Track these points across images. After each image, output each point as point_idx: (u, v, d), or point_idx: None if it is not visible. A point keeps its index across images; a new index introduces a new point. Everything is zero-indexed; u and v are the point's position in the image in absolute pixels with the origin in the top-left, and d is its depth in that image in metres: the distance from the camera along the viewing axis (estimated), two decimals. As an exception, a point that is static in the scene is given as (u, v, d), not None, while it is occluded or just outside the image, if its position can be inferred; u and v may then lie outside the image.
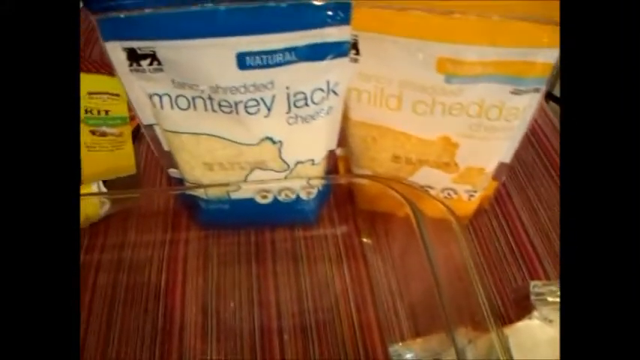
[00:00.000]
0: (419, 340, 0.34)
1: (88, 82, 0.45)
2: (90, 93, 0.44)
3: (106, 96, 0.44)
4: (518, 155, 0.40)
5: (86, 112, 0.42)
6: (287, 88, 0.32)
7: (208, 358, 0.33)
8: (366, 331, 0.34)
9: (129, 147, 0.41)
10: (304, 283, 0.36)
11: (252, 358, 0.33)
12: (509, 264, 0.38)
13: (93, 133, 0.41)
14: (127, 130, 0.42)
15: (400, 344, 0.34)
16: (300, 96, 0.32)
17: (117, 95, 0.45)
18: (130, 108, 0.42)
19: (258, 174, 0.36)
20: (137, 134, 0.44)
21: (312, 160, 0.36)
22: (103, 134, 0.41)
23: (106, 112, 0.43)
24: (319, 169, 0.37)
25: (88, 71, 0.46)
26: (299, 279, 0.36)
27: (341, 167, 0.41)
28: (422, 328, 0.34)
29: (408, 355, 0.34)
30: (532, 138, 0.46)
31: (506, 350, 0.28)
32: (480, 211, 0.40)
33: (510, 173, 0.44)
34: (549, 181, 0.44)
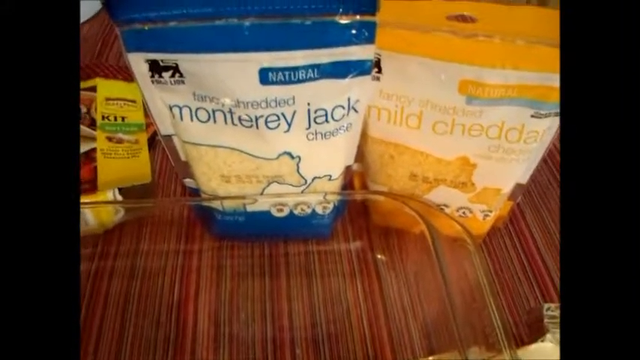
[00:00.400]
0: (430, 359, 0.35)
1: (105, 87, 0.45)
2: (107, 99, 0.44)
3: (122, 102, 0.45)
4: (532, 175, 0.40)
5: (103, 118, 0.43)
6: (308, 104, 0.32)
7: (220, 370, 0.34)
8: (378, 347, 0.35)
9: (145, 155, 0.41)
10: (317, 298, 0.37)
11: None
12: (522, 284, 0.38)
13: (109, 139, 0.41)
14: (143, 138, 0.43)
15: (412, 362, 0.34)
16: (321, 112, 0.33)
17: (133, 102, 0.45)
18: (148, 116, 0.43)
19: (274, 188, 0.36)
20: (152, 142, 0.44)
21: (330, 176, 0.36)
22: (120, 141, 0.42)
23: (123, 118, 0.44)
24: (336, 185, 0.37)
25: (106, 77, 0.46)
26: (312, 293, 0.37)
27: (357, 182, 0.41)
28: (434, 346, 0.34)
29: (420, 374, 0.34)
30: (547, 157, 0.47)
31: None
32: (493, 231, 0.40)
33: (524, 192, 0.44)
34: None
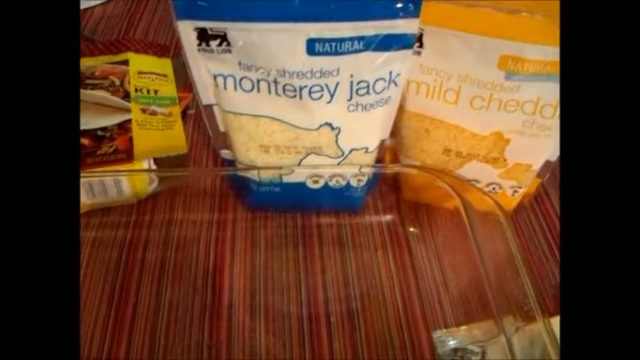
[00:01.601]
0: (463, 328, 0.36)
1: (136, 61, 0.47)
2: (139, 72, 0.46)
3: (154, 76, 0.46)
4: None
5: (136, 90, 0.45)
6: (351, 76, 0.34)
7: (257, 335, 0.36)
8: (411, 317, 0.37)
9: (179, 127, 0.43)
10: (350, 268, 0.39)
11: (299, 337, 0.35)
12: (548, 260, 0.40)
13: (143, 111, 0.43)
14: (176, 111, 0.45)
15: (444, 330, 0.36)
16: (363, 84, 0.35)
17: (165, 76, 0.47)
18: (179, 90, 0.45)
19: (312, 159, 0.38)
20: (183, 117, 0.46)
21: (366, 148, 0.38)
22: (153, 113, 0.44)
23: (155, 91, 0.46)
24: (371, 158, 0.39)
25: (137, 51, 0.48)
26: (345, 264, 0.39)
27: (388, 158, 0.43)
28: (466, 317, 0.37)
29: (452, 342, 0.36)
30: None
31: (554, 337, 0.31)
32: (519, 208, 0.43)
33: (550, 177, 0.46)
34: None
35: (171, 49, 0.55)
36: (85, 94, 0.45)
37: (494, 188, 0.40)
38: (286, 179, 0.39)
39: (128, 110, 0.43)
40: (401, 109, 0.38)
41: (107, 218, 0.41)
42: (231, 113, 0.37)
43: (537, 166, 0.38)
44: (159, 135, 0.42)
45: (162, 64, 0.49)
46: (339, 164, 0.38)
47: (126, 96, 0.45)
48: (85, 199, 0.40)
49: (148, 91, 0.45)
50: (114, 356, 0.35)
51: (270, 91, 0.35)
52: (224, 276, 0.38)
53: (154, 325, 0.36)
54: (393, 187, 0.43)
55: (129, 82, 0.46)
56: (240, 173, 0.39)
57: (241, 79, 0.35)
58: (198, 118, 0.49)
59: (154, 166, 0.41)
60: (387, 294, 0.38)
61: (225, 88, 0.36)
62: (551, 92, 0.34)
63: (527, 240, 0.42)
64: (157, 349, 0.35)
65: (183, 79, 0.49)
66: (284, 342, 0.35)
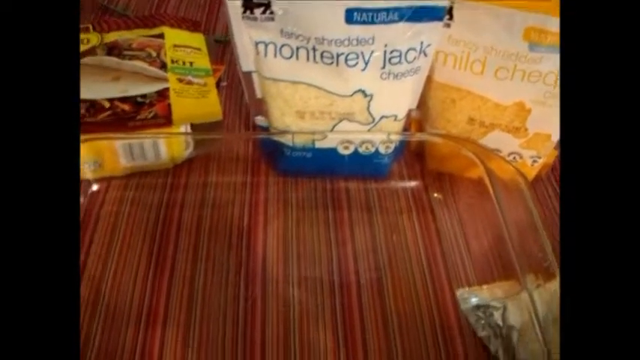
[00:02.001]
0: (485, 287, 0.39)
1: (171, 35, 0.50)
2: (175, 45, 0.49)
3: (189, 49, 0.49)
4: None
5: (172, 62, 0.48)
6: (385, 45, 0.37)
7: (290, 288, 0.38)
8: (435, 277, 0.39)
9: (214, 95, 0.46)
10: (377, 231, 0.41)
11: (330, 291, 0.38)
12: (563, 230, 0.43)
13: (180, 80, 0.46)
14: (211, 81, 0.48)
15: (467, 289, 0.39)
16: (396, 54, 0.37)
17: (198, 49, 0.50)
18: (213, 63, 0.47)
19: (344, 125, 0.41)
20: (217, 88, 0.49)
21: (396, 116, 0.41)
22: (189, 82, 0.46)
23: (191, 63, 0.48)
24: (400, 126, 0.42)
25: (171, 26, 0.51)
26: (372, 227, 0.42)
27: (413, 130, 0.46)
28: (488, 277, 0.39)
29: (474, 299, 0.38)
30: None
31: None
32: (537, 179, 0.45)
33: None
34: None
35: (202, 24, 0.58)
36: (123, 63, 0.47)
37: (514, 158, 0.43)
38: (318, 145, 0.42)
39: (166, 79, 0.46)
40: (428, 79, 0.41)
41: (145, 180, 0.44)
42: (270, 80, 0.39)
43: (557, 136, 0.41)
44: (195, 103, 0.45)
45: (195, 38, 0.52)
46: (369, 131, 0.42)
47: (163, 67, 0.47)
48: (125, 162, 0.43)
49: (184, 63, 0.48)
50: (154, 308, 0.37)
51: (308, 59, 0.38)
52: (258, 234, 0.41)
53: (192, 279, 0.39)
54: (417, 157, 0.46)
55: (165, 54, 0.49)
56: (276, 138, 0.42)
57: (282, 46, 0.38)
58: (230, 90, 0.52)
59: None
60: (412, 255, 0.40)
61: (265, 55, 0.38)
62: (572, 64, 0.37)
63: (543, 209, 0.44)
64: (195, 302, 0.37)
65: (215, 54, 0.53)
66: (316, 294, 0.38)
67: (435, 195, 0.44)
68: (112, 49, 0.49)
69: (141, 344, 0.35)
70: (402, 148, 0.45)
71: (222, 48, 0.57)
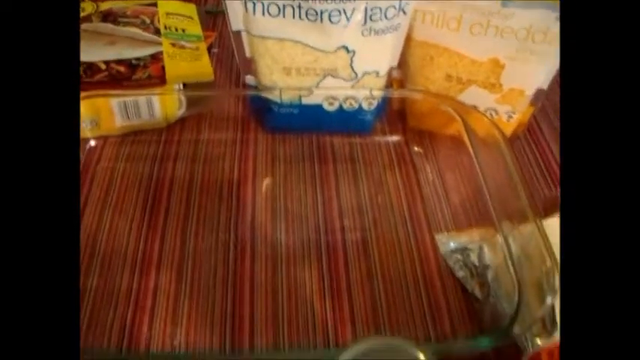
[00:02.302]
0: (463, 232, 0.41)
1: (164, 5, 0.53)
2: (167, 13, 0.52)
3: (181, 17, 0.52)
4: (550, 98, 0.49)
5: (165, 28, 0.50)
6: (366, 2, 0.40)
7: (278, 234, 0.41)
8: (416, 223, 0.42)
9: (206, 59, 0.48)
10: (361, 182, 0.44)
11: (316, 235, 0.40)
12: (540, 184, 0.46)
13: (173, 45, 0.49)
14: (203, 46, 0.50)
15: (446, 234, 0.41)
16: (376, 11, 0.40)
17: (190, 18, 0.52)
18: (204, 30, 0.50)
19: (329, 81, 0.43)
20: (209, 53, 0.51)
21: (377, 72, 0.43)
22: (182, 47, 0.49)
23: (183, 30, 0.51)
24: (381, 82, 0.45)
25: (163, -3, 0.54)
26: (357, 178, 0.44)
27: (395, 87, 0.48)
28: (465, 224, 0.42)
29: (452, 244, 0.41)
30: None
31: (544, 234, 0.35)
32: (514, 138, 0.48)
33: (542, 112, 0.51)
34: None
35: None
36: (118, 29, 0.50)
37: (491, 114, 0.45)
38: (305, 101, 0.44)
39: (159, 44, 0.49)
40: (408, 38, 0.44)
41: (140, 138, 0.47)
42: (259, 37, 0.42)
43: (530, 91, 0.43)
44: (188, 65, 0.47)
45: (187, 8, 0.55)
46: (352, 87, 0.44)
47: (156, 32, 0.50)
48: (120, 121, 0.46)
49: (177, 29, 0.51)
50: (149, 254, 0.39)
51: (294, 16, 0.40)
52: (247, 186, 0.44)
53: (185, 227, 0.41)
54: (399, 116, 0.49)
55: (158, 21, 0.51)
56: (264, 95, 0.44)
57: (269, 4, 0.40)
58: (221, 57, 0.55)
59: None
60: (394, 204, 0.43)
61: (254, 13, 0.41)
62: (542, 19, 0.40)
63: (520, 166, 0.47)
64: (187, 247, 0.40)
65: (206, 23, 0.55)
66: (302, 239, 0.40)
67: (416, 149, 0.47)
68: (107, 17, 0.51)
69: (136, 285, 0.38)
70: (385, 105, 0.47)
71: (212, 18, 0.60)
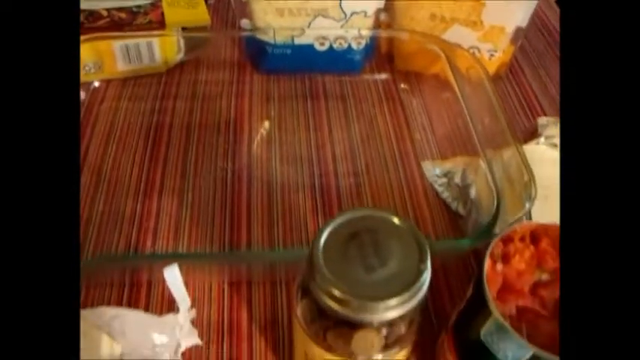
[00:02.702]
0: (447, 161, 0.44)
1: None
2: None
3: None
4: (531, 44, 0.53)
5: (163, -22, 0.53)
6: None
7: (272, 163, 0.44)
8: (404, 153, 0.45)
9: (202, 6, 0.52)
10: (351, 117, 0.47)
11: (309, 163, 0.43)
12: (521, 118, 0.49)
13: (171, -7, 0.51)
14: (199, -5, 0.53)
15: (431, 161, 0.44)
16: (363, -51, 0.43)
17: (187, -30, 0.55)
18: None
19: (319, 21, 0.46)
20: (205, 2, 0.54)
21: (365, 12, 0.46)
22: (180, -5, 0.52)
23: (180, -20, 0.54)
24: (369, 22, 0.48)
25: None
26: (347, 113, 0.48)
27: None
28: (450, 153, 0.45)
29: (437, 170, 0.44)
30: (543, 30, 0.58)
31: (524, 157, 0.38)
32: (497, 78, 0.51)
33: (525, 56, 0.55)
34: (558, 66, 0.54)
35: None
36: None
37: (474, 52, 0.48)
38: (297, 41, 0.48)
39: (158, -7, 0.52)
40: (394, -22, 0.47)
41: (141, 80, 0.50)
42: (253, -21, 0.45)
43: (510, 28, 0.47)
44: (186, 11, 0.50)
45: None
46: (341, 27, 0.47)
47: (155, -17, 0.53)
48: (122, 65, 0.48)
49: (174, -20, 0.54)
50: (151, 181, 0.42)
51: (285, -43, 0.44)
52: (244, 121, 0.47)
53: (185, 157, 0.44)
54: (387, 58, 0.52)
55: (157, -27, 0.54)
56: (259, 36, 0.47)
57: (263, -52, 0.44)
58: (217, 7, 0.58)
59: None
60: (383, 136, 0.46)
61: (247, -46, 0.44)
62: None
63: (506, 107, 0.50)
64: (188, 174, 0.43)
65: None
66: (296, 168, 0.43)
67: (403, 86, 0.50)
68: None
69: (140, 209, 0.41)
70: (373, 46, 0.50)
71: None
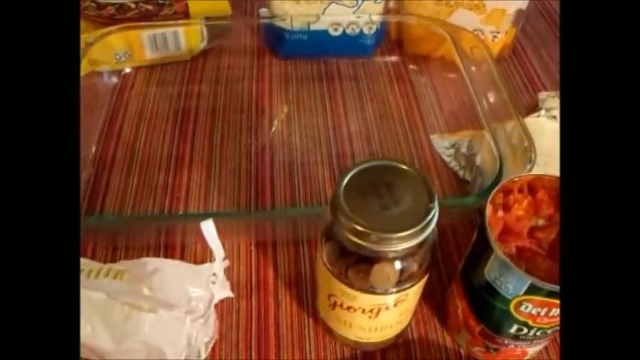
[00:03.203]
0: (454, 134, 0.48)
1: None
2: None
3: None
4: (533, 26, 0.58)
5: (186, -28, 0.58)
6: None
7: (293, 138, 0.48)
8: (414, 128, 0.50)
9: (224, -3, 0.57)
10: (365, 96, 0.52)
11: (326, 139, 0.48)
12: (524, 95, 0.53)
13: (194, -14, 0.56)
14: (221, -13, 0.58)
15: (439, 134, 0.48)
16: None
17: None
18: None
19: (333, 8, 0.51)
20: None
21: (376, -2, 0.51)
22: (202, -12, 0.57)
23: (202, -27, 0.59)
24: (379, 7, 0.52)
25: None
26: (360, 93, 0.52)
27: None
28: (457, 127, 0.49)
29: (446, 142, 0.48)
30: (545, 13, 0.63)
31: (524, 124, 0.42)
32: (501, 59, 0.55)
33: (527, 37, 0.59)
34: (557, 45, 0.59)
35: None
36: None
37: (477, 34, 0.52)
38: (313, 27, 0.52)
39: (183, -15, 0.57)
40: (402, -34, 0.51)
41: (168, 66, 0.54)
42: (271, -31, 0.49)
43: (511, 11, 0.51)
44: (208, 2, 0.56)
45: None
46: (354, 13, 0.51)
47: (178, -22, 0.58)
48: (150, 54, 0.53)
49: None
50: (181, 156, 0.47)
51: (301, -50, 0.48)
52: (264, 101, 0.51)
53: (211, 134, 0.49)
54: (396, 42, 0.57)
55: (180, -33, 0.59)
56: (277, 22, 0.52)
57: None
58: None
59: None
60: (394, 113, 0.51)
61: (266, -54, 0.48)
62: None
63: (507, 83, 0.53)
64: (214, 149, 0.48)
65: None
66: (314, 142, 0.48)
67: (412, 67, 0.55)
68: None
69: (171, 181, 0.45)
70: (383, 30, 0.55)
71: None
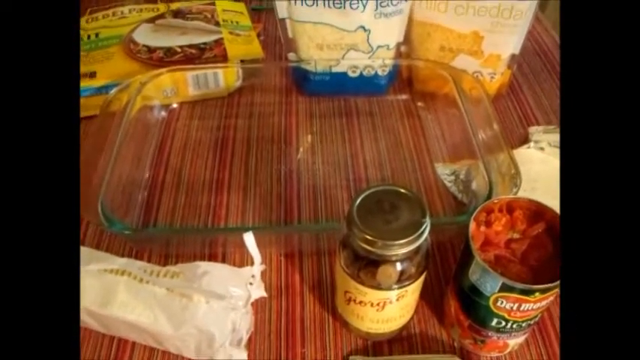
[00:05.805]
0: (454, 163, 0.59)
1: (220, 4, 0.75)
2: (224, 10, 0.72)
3: (234, 12, 0.73)
4: (529, 65, 0.68)
5: (223, 21, 0.71)
6: (377, -8, 0.59)
7: (317, 166, 0.59)
8: (420, 157, 0.61)
9: (256, 43, 0.69)
10: (379, 129, 0.63)
11: (345, 167, 0.59)
12: (518, 128, 0.64)
13: (230, 33, 0.69)
14: (253, 34, 0.71)
15: (442, 163, 0.59)
16: (385, -1, 0.59)
17: (241, 13, 0.73)
18: (253, 21, 0.69)
19: (351, 54, 0.62)
20: (258, 38, 0.71)
21: (388, 46, 0.62)
22: (237, 34, 0.69)
23: (237, 22, 0.72)
24: (391, 54, 0.64)
25: (219, -2, 0.75)
26: (375, 127, 0.64)
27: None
28: (457, 157, 0.60)
29: (447, 170, 0.58)
30: (540, 53, 0.75)
31: (512, 155, 0.52)
32: (499, 96, 0.67)
33: (523, 76, 0.71)
34: (552, 83, 0.71)
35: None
36: (187, 23, 0.71)
37: (477, 75, 0.63)
38: (334, 69, 0.64)
39: (220, 32, 0.69)
40: (410, 19, 0.62)
41: (208, 102, 0.67)
42: (299, 22, 0.61)
43: (505, 55, 0.62)
44: (243, 47, 0.68)
45: (237, 6, 0.76)
46: (369, 58, 0.63)
47: (216, 24, 0.71)
48: (192, 90, 0.65)
49: (232, 22, 0.71)
50: (221, 180, 0.59)
51: (325, 5, 0.59)
52: (292, 133, 0.63)
53: (247, 161, 0.61)
54: (407, 82, 0.68)
55: (217, 16, 0.72)
56: (303, 65, 0.64)
57: (306, -4, 0.60)
58: (267, 42, 0.76)
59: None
60: (404, 145, 0.62)
61: (295, 3, 0.60)
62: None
63: (503, 118, 0.65)
64: (250, 174, 0.59)
65: (252, 18, 0.76)
66: (334, 168, 0.59)
67: (420, 104, 0.66)
68: (177, 14, 0.72)
69: (213, 202, 0.57)
70: (395, 72, 0.67)
71: (257, 14, 0.81)
